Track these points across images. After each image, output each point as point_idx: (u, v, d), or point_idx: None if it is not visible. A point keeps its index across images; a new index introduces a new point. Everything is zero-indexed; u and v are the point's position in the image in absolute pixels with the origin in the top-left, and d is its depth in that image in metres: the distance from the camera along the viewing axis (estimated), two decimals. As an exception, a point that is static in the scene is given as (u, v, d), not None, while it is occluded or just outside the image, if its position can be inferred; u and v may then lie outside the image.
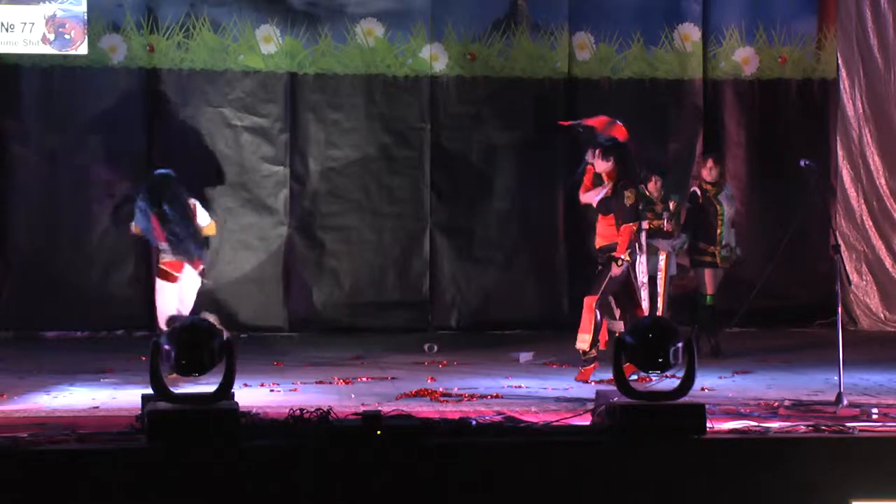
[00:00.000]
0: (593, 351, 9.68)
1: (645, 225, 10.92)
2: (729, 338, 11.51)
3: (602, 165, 9.81)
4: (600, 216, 9.86)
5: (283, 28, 13.07)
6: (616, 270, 9.68)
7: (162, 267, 10.21)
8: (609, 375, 8.41)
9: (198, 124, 12.95)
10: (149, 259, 12.73)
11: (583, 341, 9.67)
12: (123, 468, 6.56)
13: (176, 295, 10.17)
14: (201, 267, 10.24)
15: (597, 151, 9.81)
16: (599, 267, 9.79)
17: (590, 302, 9.68)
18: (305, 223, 13.16)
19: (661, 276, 10.99)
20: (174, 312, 10.07)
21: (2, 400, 8.65)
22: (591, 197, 9.90)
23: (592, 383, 9.39)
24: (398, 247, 13.28)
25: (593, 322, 9.66)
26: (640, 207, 11.00)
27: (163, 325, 9.96)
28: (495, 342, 12.18)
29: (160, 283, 10.20)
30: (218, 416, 6.76)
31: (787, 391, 8.93)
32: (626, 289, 9.85)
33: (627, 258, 9.71)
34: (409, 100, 13.28)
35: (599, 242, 9.86)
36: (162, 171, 10.33)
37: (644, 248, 10.70)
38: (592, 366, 9.70)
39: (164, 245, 10.14)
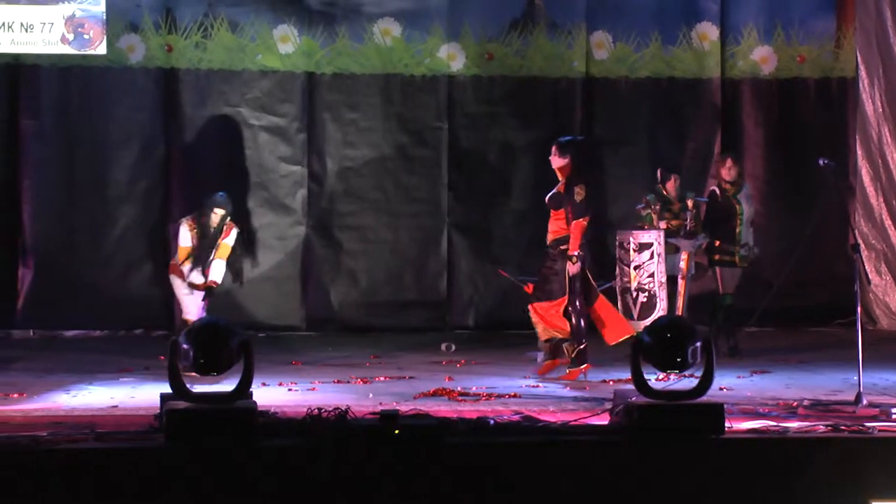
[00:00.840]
0: (579, 348, 9.73)
1: (663, 224, 10.91)
2: (747, 337, 11.49)
3: (558, 161, 9.83)
4: (551, 211, 9.88)
5: (300, 28, 13.09)
6: (572, 269, 9.71)
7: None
8: (627, 374, 8.40)
9: (215, 124, 12.97)
10: (167, 259, 12.79)
11: (569, 344, 9.78)
12: (142, 467, 6.58)
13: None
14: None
15: (553, 148, 9.85)
16: (549, 262, 9.81)
17: (560, 304, 9.74)
18: (323, 223, 13.18)
19: (680, 275, 10.96)
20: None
21: (21, 399, 8.68)
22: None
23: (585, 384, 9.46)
24: (415, 246, 13.29)
25: (569, 324, 9.72)
26: (658, 208, 11.01)
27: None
28: (512, 342, 12.15)
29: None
30: (236, 415, 6.77)
31: (806, 391, 8.91)
32: (582, 285, 9.84)
33: (581, 253, 9.73)
34: (427, 99, 13.29)
35: (550, 237, 9.88)
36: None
37: (662, 246, 10.68)
38: (585, 366, 9.73)
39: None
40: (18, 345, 12.18)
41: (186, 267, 10.64)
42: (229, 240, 10.75)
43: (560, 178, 9.83)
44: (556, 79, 13.40)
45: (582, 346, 9.73)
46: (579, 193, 9.70)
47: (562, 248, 9.75)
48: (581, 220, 9.67)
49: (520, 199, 13.28)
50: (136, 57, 12.90)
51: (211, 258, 10.63)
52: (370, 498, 6.62)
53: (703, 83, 13.55)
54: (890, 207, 13.67)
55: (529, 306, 9.89)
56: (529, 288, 10.13)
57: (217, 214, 10.64)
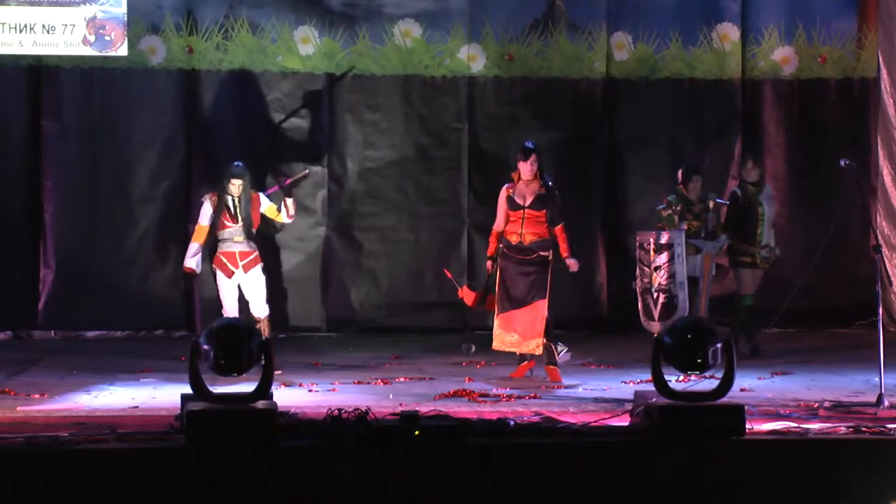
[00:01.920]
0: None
1: (684, 226, 10.89)
2: (768, 338, 11.46)
3: (534, 167, 9.91)
4: (531, 212, 9.91)
5: (321, 29, 13.11)
6: (574, 267, 10.00)
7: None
8: (648, 375, 8.39)
9: (236, 125, 13.00)
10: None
11: (537, 346, 9.81)
12: (162, 467, 6.60)
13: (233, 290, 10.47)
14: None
15: (534, 155, 9.90)
16: (520, 266, 9.88)
17: (544, 305, 9.84)
18: (343, 224, 13.19)
19: (701, 276, 10.94)
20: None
21: (43, 399, 8.71)
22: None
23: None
24: (436, 247, 13.29)
25: (547, 324, 9.84)
26: (680, 209, 10.99)
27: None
28: (533, 342, 12.14)
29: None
30: (256, 415, 6.78)
31: (827, 392, 8.87)
32: None
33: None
34: (447, 100, 13.29)
35: (530, 238, 9.91)
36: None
37: (683, 247, 10.65)
38: (530, 363, 9.92)
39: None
40: (40, 345, 12.24)
41: (193, 249, 10.43)
42: (265, 206, 10.62)
43: (533, 181, 9.91)
44: (577, 80, 13.39)
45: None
46: (559, 196, 10.00)
47: (542, 253, 9.86)
48: (563, 223, 9.95)
49: (540, 200, 13.26)
50: (157, 58, 12.94)
51: (250, 226, 10.46)
52: (390, 499, 6.62)
53: (724, 84, 13.52)
54: (912, 208, 13.62)
55: (503, 315, 9.93)
56: (464, 292, 10.39)
57: (235, 185, 10.42)
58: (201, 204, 10.59)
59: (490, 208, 13.21)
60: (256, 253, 10.51)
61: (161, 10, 12.91)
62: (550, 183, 9.95)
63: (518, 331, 9.87)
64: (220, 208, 10.43)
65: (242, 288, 10.49)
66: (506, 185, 10.06)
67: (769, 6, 13.53)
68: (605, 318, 13.14)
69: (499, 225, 10.05)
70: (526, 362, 9.97)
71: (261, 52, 13.06)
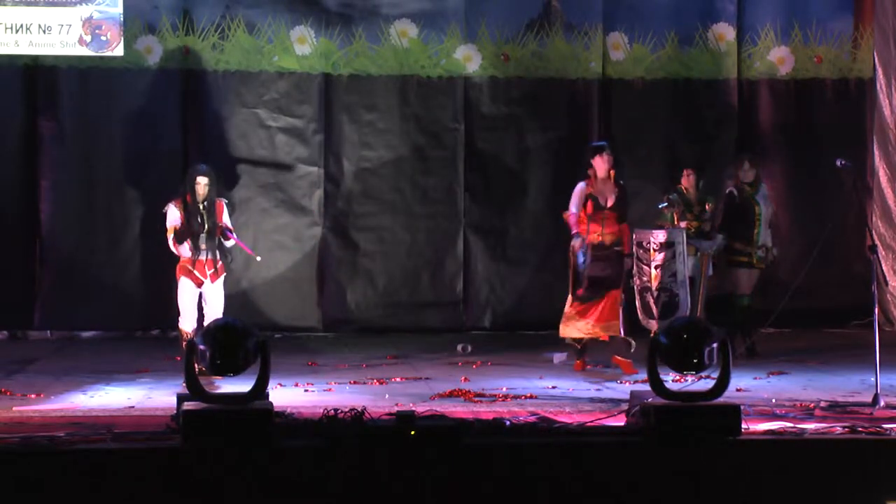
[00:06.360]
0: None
1: (684, 226, 10.89)
2: (764, 338, 11.46)
3: (610, 163, 10.27)
4: (611, 213, 10.26)
5: (317, 29, 13.10)
6: (630, 264, 10.41)
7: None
8: (644, 375, 8.39)
9: (233, 125, 13.00)
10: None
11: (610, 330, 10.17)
12: (158, 468, 6.60)
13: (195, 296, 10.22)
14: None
15: (607, 153, 10.23)
16: (601, 262, 10.26)
17: (619, 294, 10.30)
18: (339, 224, 13.19)
19: (699, 276, 10.94)
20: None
21: (39, 399, 8.71)
22: None
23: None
24: (432, 247, 13.29)
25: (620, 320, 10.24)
26: (681, 209, 11.03)
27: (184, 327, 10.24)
28: (528, 342, 12.17)
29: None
30: (253, 415, 6.78)
31: (823, 392, 8.89)
32: None
33: None
34: (443, 100, 13.29)
35: (610, 239, 10.28)
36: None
37: (685, 246, 10.65)
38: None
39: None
40: (36, 346, 12.23)
41: (186, 249, 10.06)
42: (226, 218, 10.24)
43: (608, 179, 10.20)
44: (573, 80, 13.39)
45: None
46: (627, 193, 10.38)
47: (617, 248, 10.22)
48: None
49: (536, 200, 13.28)
50: (153, 58, 12.93)
51: (216, 241, 10.08)
52: (386, 498, 6.63)
53: (720, 84, 13.53)
54: (907, 208, 13.63)
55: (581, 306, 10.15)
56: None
57: (201, 183, 10.09)
58: (165, 212, 10.23)
59: (487, 208, 13.32)
60: (221, 263, 10.18)
61: (157, 10, 12.90)
62: (622, 181, 10.26)
63: (591, 318, 10.14)
64: (186, 214, 10.07)
65: (204, 297, 10.15)
66: (585, 182, 10.25)
67: (765, 6, 13.54)
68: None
69: (580, 217, 10.22)
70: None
71: (257, 52, 13.05)
